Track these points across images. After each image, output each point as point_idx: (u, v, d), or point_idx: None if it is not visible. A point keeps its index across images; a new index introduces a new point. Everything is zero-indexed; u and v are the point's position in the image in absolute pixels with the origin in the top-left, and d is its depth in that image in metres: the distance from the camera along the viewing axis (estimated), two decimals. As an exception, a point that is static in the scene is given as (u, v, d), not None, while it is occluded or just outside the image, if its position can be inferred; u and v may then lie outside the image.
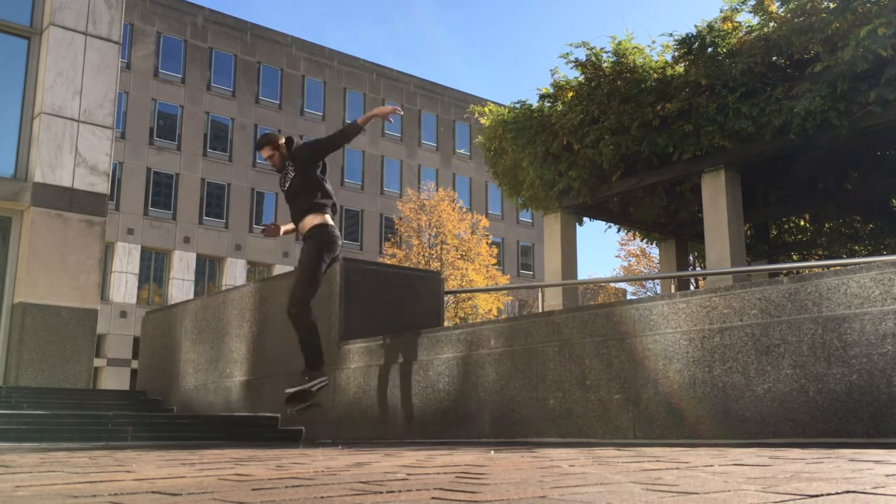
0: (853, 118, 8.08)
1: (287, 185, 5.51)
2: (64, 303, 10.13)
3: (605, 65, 10.06)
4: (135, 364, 29.04)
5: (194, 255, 36.18)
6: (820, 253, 12.63)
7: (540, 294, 12.06)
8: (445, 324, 7.70)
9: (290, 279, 7.30)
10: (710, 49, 9.25)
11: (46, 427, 5.98)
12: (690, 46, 9.37)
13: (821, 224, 12.44)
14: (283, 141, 5.58)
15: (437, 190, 36.25)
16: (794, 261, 12.71)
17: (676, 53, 9.66)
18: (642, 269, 33.20)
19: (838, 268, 4.33)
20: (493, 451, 3.41)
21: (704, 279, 14.27)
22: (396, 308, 6.45)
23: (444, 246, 33.05)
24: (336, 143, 5.51)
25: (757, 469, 2.14)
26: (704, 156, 9.29)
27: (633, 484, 1.74)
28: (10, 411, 6.46)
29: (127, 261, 34.31)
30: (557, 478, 1.93)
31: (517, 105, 11.16)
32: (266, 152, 5.58)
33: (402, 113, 5.93)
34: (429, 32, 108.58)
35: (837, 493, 1.53)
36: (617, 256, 56.76)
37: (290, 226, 5.68)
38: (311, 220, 5.36)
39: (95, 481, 1.97)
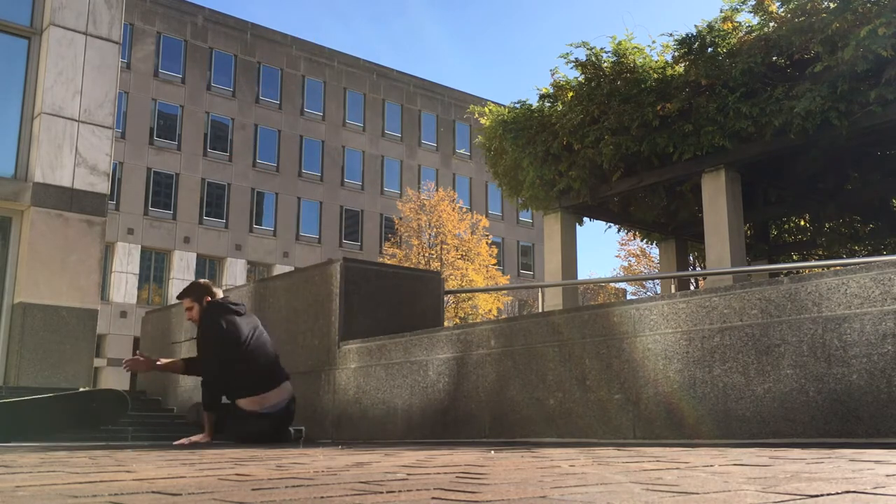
0: (853, 118, 8.08)
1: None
2: (64, 303, 10.13)
3: (605, 65, 10.06)
4: (135, 364, 28.95)
5: (194, 255, 36.19)
6: (820, 253, 12.63)
7: (540, 294, 12.06)
8: (445, 324, 7.70)
9: (288, 279, 7.30)
10: (710, 49, 9.25)
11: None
12: (690, 46, 9.37)
13: (821, 224, 12.44)
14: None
15: (437, 190, 36.25)
16: (794, 261, 12.71)
17: (676, 53, 9.66)
18: (642, 269, 33.19)
19: (838, 268, 4.33)
20: (493, 451, 3.41)
21: (704, 279, 14.27)
22: (396, 308, 6.45)
23: (444, 246, 33.05)
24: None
25: (757, 469, 2.14)
26: (704, 156, 9.29)
27: (633, 484, 1.74)
28: (10, 411, 6.45)
29: (127, 261, 34.32)
30: (557, 478, 1.93)
31: (517, 105, 11.16)
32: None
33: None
34: (427, 32, 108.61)
35: (837, 493, 1.53)
36: (617, 256, 56.81)
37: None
38: None
39: (95, 481, 1.97)
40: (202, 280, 5.75)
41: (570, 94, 10.34)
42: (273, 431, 5.27)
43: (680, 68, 9.53)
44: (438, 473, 2.13)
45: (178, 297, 5.61)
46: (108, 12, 11.11)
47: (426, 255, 32.92)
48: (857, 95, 7.92)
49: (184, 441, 5.11)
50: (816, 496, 1.49)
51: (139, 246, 34.72)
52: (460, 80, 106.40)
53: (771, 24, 8.85)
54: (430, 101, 45.94)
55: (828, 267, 9.55)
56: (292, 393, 5.47)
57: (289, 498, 1.54)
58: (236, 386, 5.28)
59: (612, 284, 38.75)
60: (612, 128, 9.57)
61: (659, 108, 9.28)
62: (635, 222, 12.22)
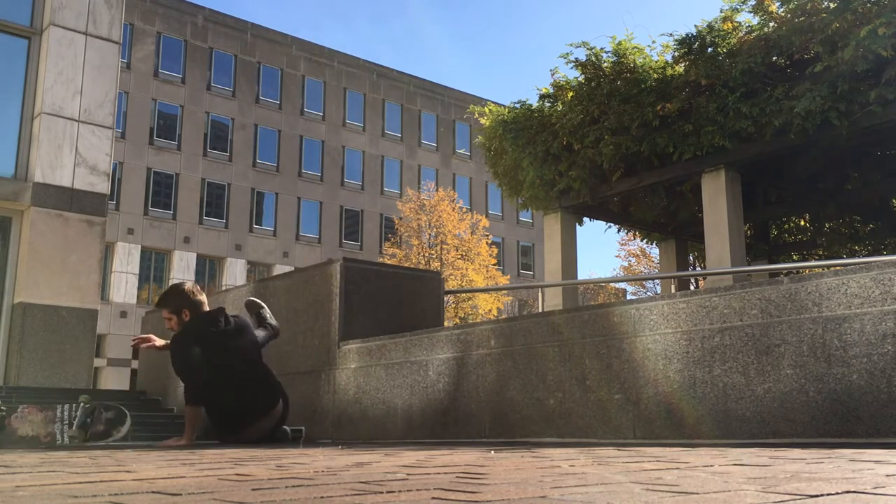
0: (853, 118, 8.08)
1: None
2: (64, 303, 10.13)
3: (605, 65, 10.06)
4: (135, 364, 29.03)
5: (194, 255, 36.20)
6: (820, 253, 12.63)
7: (540, 294, 12.06)
8: (445, 324, 7.70)
9: (288, 279, 7.30)
10: (710, 49, 9.25)
11: (46, 427, 5.97)
12: (690, 46, 9.37)
13: (821, 224, 12.45)
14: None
15: (437, 190, 36.26)
16: (794, 261, 12.71)
17: (676, 53, 9.67)
18: (642, 269, 33.19)
19: (838, 268, 4.33)
20: (493, 451, 3.41)
21: (704, 279, 14.27)
22: (396, 308, 6.45)
23: (444, 246, 33.06)
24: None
25: (757, 469, 2.14)
26: (704, 156, 9.29)
27: (633, 484, 1.74)
28: (10, 411, 6.45)
29: (127, 261, 34.32)
30: (557, 478, 1.93)
31: (517, 105, 11.17)
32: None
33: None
34: (427, 32, 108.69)
35: (837, 493, 1.53)
36: (617, 256, 56.83)
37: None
38: None
39: (95, 481, 1.98)
40: (182, 286, 5.29)
41: (570, 94, 10.34)
42: (266, 442, 5.24)
43: (680, 68, 9.53)
44: (438, 473, 2.13)
45: (156, 306, 5.26)
46: (108, 12, 11.11)
47: (426, 255, 32.92)
48: (857, 95, 7.92)
49: (169, 443, 4.98)
50: (816, 496, 1.49)
51: (139, 246, 34.73)
52: (460, 80, 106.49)
53: (771, 24, 8.85)
54: (430, 101, 45.94)
55: (828, 267, 9.55)
56: (284, 409, 5.36)
57: (289, 498, 1.54)
58: (217, 425, 5.18)
59: (612, 284, 38.76)
60: (612, 128, 9.58)
61: (659, 108, 9.29)
62: (635, 222, 12.22)
